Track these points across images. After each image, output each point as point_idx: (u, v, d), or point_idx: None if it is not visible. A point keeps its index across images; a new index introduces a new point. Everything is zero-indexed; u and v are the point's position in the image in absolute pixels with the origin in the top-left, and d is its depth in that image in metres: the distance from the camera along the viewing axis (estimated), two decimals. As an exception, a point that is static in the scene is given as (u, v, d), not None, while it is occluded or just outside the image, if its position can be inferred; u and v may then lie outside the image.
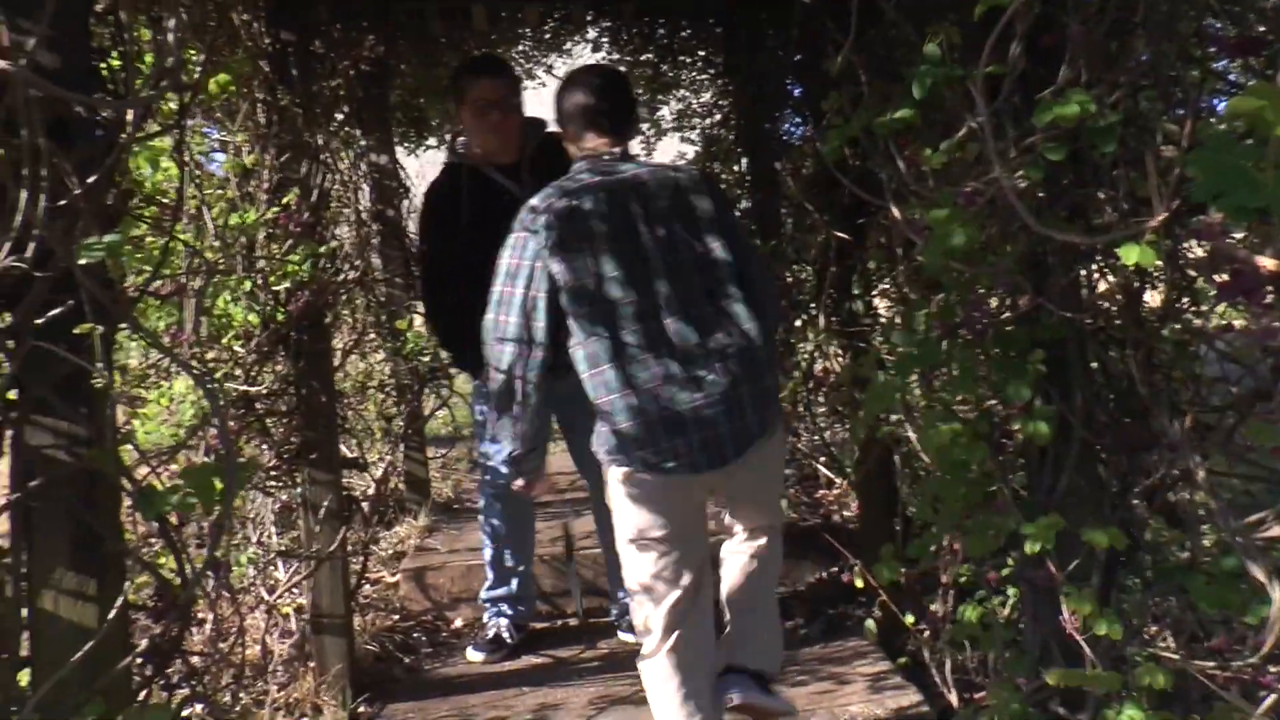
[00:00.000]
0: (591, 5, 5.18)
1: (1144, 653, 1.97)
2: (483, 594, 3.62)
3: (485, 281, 2.54)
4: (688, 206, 2.43)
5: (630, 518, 2.36)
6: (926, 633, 2.58)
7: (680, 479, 2.29)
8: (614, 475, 2.35)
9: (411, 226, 5.13)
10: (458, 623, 3.87)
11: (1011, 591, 2.34)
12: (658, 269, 2.35)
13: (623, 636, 3.55)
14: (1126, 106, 1.88)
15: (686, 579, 2.37)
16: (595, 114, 2.50)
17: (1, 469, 1.70)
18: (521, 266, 2.34)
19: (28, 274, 1.60)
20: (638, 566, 2.38)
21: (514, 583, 3.56)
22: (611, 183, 2.41)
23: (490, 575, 3.58)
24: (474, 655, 3.48)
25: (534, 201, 2.41)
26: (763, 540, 2.59)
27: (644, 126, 6.48)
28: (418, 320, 4.87)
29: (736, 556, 2.62)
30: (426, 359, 4.76)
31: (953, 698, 2.43)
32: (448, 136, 6.92)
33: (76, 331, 1.64)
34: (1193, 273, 2.06)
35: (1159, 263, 1.78)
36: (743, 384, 2.31)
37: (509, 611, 3.57)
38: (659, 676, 2.38)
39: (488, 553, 3.57)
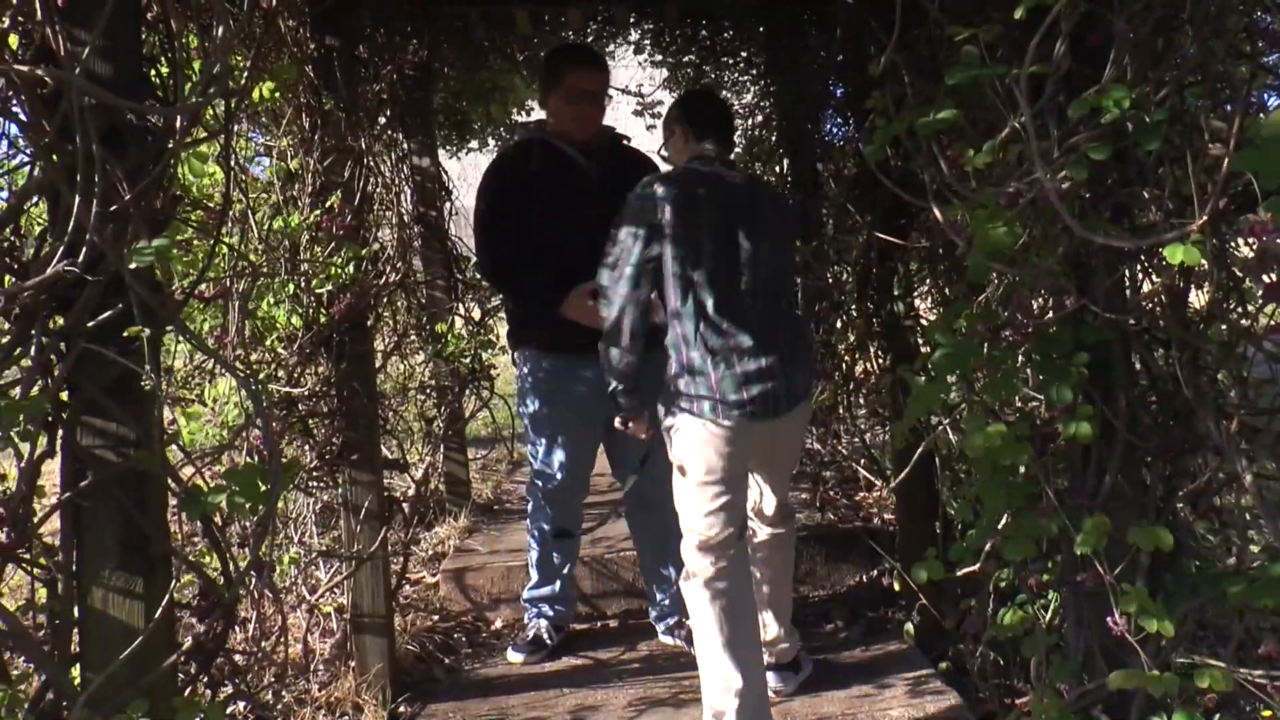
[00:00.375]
0: (634, 8, 5.19)
1: (1190, 659, 1.94)
2: (525, 594, 3.64)
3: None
4: (767, 210, 2.86)
5: (697, 460, 2.71)
6: (967, 637, 2.56)
7: (744, 426, 2.68)
8: (688, 424, 2.72)
9: (454, 229, 5.16)
10: (498, 623, 3.89)
11: (1053, 596, 2.32)
12: (743, 254, 2.75)
13: (663, 638, 3.56)
14: (1172, 104, 1.86)
15: (737, 514, 2.76)
16: (706, 124, 2.91)
17: (52, 468, 1.74)
18: (639, 233, 2.71)
19: (80, 278, 1.64)
20: (697, 503, 2.74)
21: (557, 584, 3.58)
22: (716, 180, 2.80)
23: (535, 575, 3.60)
24: (514, 656, 3.49)
25: (652, 179, 2.79)
26: (783, 530, 3.05)
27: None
28: (459, 322, 4.90)
29: (767, 552, 3.04)
30: (467, 360, 4.78)
31: (993, 703, 2.41)
32: (490, 140, 6.99)
33: (126, 334, 1.67)
34: (1240, 273, 2.03)
35: (1204, 263, 1.75)
36: (795, 352, 2.80)
37: (550, 612, 3.58)
38: (711, 596, 2.70)
39: (534, 554, 3.59)
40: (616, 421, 2.96)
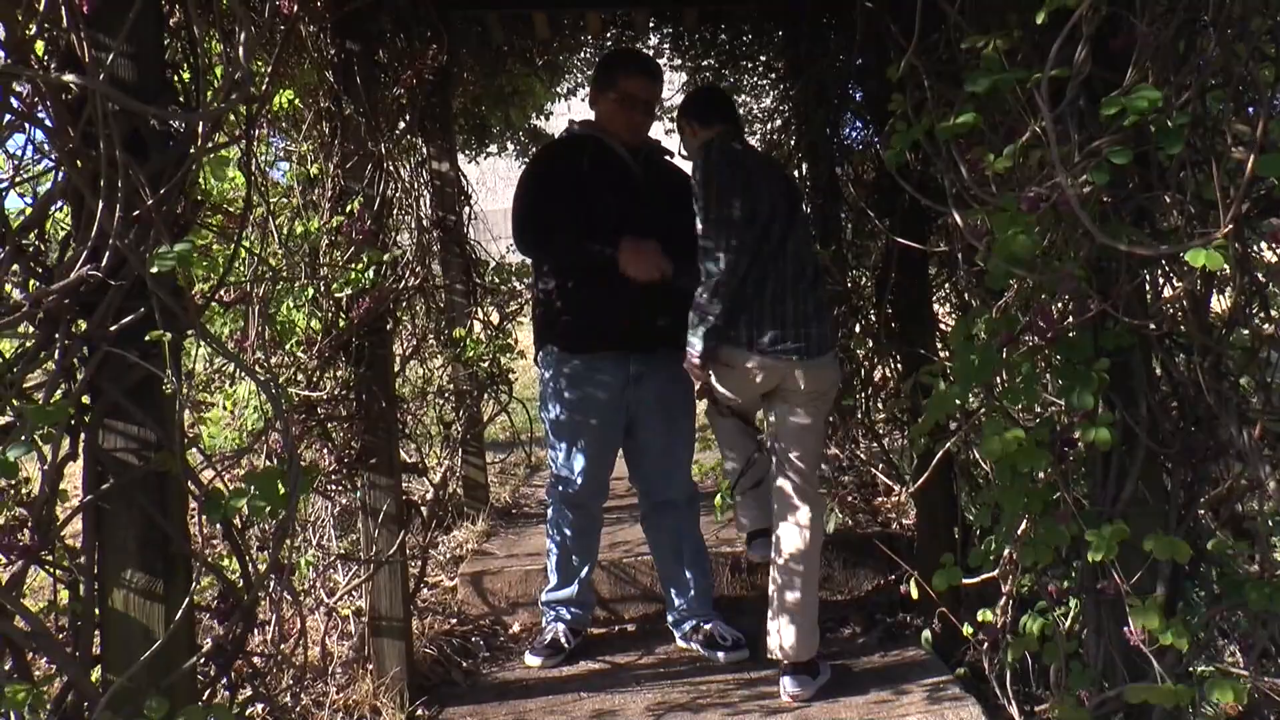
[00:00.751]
0: (653, 12, 5.20)
1: (1211, 668, 1.93)
2: (543, 596, 3.65)
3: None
4: (781, 177, 3.30)
5: (725, 384, 3.18)
6: (986, 644, 2.55)
7: (769, 362, 3.08)
8: (731, 356, 3.10)
9: (473, 234, 5.17)
10: (515, 627, 3.89)
11: (1073, 603, 2.31)
12: (773, 215, 3.10)
13: (680, 643, 3.55)
14: (1194, 107, 1.85)
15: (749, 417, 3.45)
16: (708, 112, 3.31)
17: (75, 471, 1.75)
18: (735, 181, 3.05)
19: (102, 282, 1.65)
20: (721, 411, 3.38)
21: (575, 587, 3.58)
22: (749, 151, 3.27)
23: (554, 578, 3.60)
24: (531, 660, 3.49)
25: (717, 153, 3.11)
26: (805, 529, 3.13)
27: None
28: (477, 327, 4.91)
29: (783, 542, 3.14)
30: (485, 365, 4.79)
31: (1013, 710, 2.39)
32: (510, 145, 7.00)
33: (147, 338, 1.68)
34: (1263, 277, 2.02)
35: (1227, 267, 1.74)
36: (819, 307, 3.17)
37: (567, 615, 3.58)
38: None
39: (553, 557, 3.59)
40: (686, 364, 3.14)
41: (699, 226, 3.06)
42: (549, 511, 3.60)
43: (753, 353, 3.07)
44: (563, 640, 3.53)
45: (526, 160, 3.65)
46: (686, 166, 3.59)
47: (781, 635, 3.08)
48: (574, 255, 3.38)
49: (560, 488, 3.49)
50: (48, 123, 1.68)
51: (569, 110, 3.64)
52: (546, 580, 3.65)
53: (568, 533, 3.53)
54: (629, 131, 3.45)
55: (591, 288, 3.33)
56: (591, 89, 3.56)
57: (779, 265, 3.10)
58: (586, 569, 3.59)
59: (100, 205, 1.63)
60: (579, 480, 3.42)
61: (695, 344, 3.07)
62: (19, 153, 1.87)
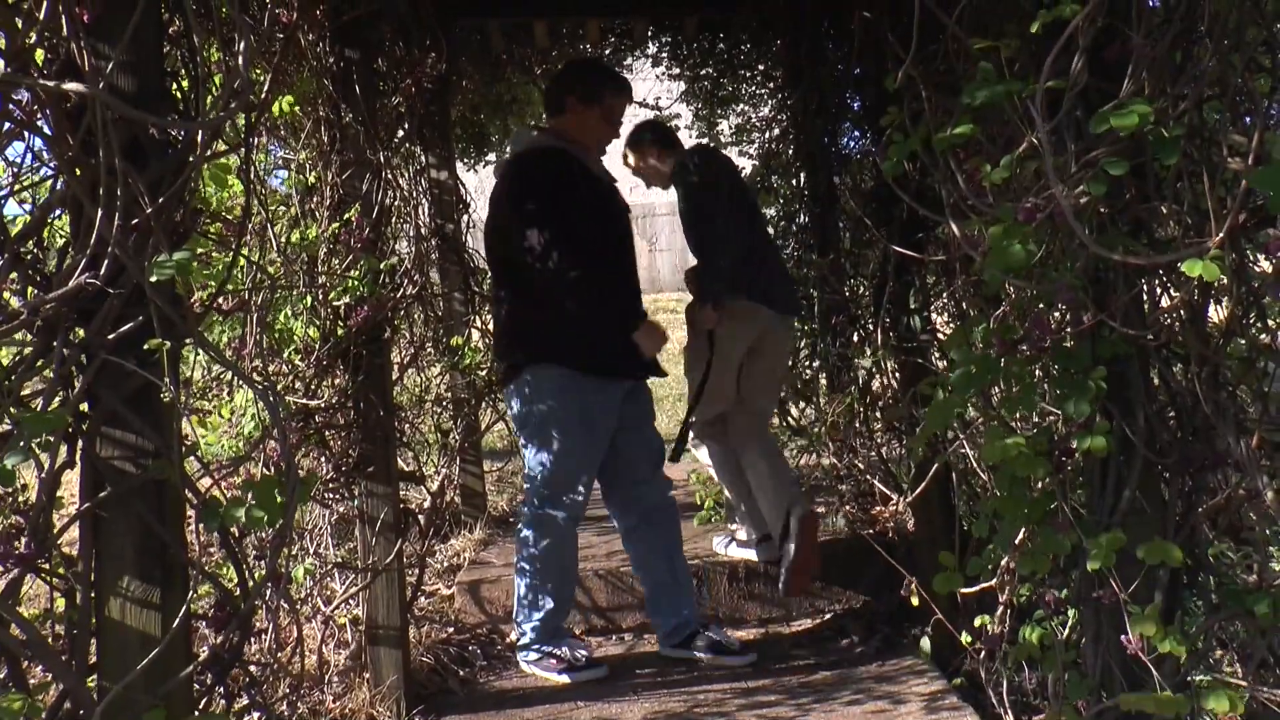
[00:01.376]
0: (652, 21, 5.21)
1: (1209, 678, 1.93)
2: (537, 625, 3.46)
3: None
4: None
5: (729, 336, 3.76)
6: (983, 653, 2.55)
7: (760, 309, 3.77)
8: (733, 307, 3.70)
9: (471, 242, 5.17)
10: (513, 636, 3.88)
11: (1071, 613, 2.31)
12: (753, 214, 3.94)
13: (680, 652, 3.53)
14: (1190, 118, 1.85)
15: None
16: (669, 140, 4.10)
17: (72, 479, 1.75)
18: (728, 182, 3.77)
19: (101, 290, 1.65)
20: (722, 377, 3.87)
21: (566, 609, 3.54)
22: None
23: (546, 605, 3.45)
24: (562, 679, 3.38)
25: (704, 156, 3.86)
26: (763, 452, 3.85)
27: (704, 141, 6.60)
28: (475, 335, 4.91)
29: (745, 458, 3.87)
30: (483, 373, 4.79)
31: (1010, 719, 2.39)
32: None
33: (146, 346, 1.68)
34: (1259, 287, 2.02)
35: (1223, 278, 1.74)
36: (787, 275, 4.08)
37: (565, 633, 3.54)
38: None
39: (548, 586, 3.43)
40: (700, 311, 3.69)
41: (705, 208, 3.70)
42: (537, 540, 3.41)
43: (750, 301, 3.74)
44: (575, 658, 3.43)
45: (515, 180, 3.48)
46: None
47: (753, 521, 3.88)
48: (607, 295, 3.36)
49: (564, 512, 3.38)
50: (47, 131, 1.69)
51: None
52: (528, 610, 3.47)
53: (566, 558, 3.46)
54: (601, 144, 3.55)
55: (611, 315, 3.36)
56: (568, 97, 3.51)
57: (758, 240, 3.86)
58: (561, 585, 3.49)
59: (99, 213, 1.63)
60: (581, 502, 3.40)
61: (710, 292, 3.66)
62: (18, 160, 1.87)
